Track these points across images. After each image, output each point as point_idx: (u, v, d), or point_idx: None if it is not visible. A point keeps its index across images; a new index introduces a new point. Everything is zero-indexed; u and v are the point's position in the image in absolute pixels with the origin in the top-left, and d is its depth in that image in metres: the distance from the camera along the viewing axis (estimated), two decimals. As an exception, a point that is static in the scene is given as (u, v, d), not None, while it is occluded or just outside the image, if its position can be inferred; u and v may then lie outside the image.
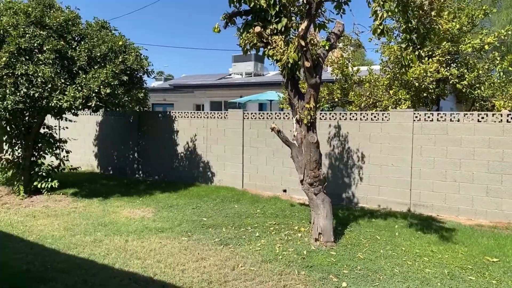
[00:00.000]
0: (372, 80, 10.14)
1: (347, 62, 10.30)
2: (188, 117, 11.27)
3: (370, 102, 9.95)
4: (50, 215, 7.64)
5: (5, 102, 7.59)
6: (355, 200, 8.81)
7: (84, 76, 8.00)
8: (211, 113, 10.93)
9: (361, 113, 8.75)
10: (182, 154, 11.35)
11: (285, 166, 9.59)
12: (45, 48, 7.73)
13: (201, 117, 11.04)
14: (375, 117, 8.58)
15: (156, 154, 11.75)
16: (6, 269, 4.91)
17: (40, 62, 7.70)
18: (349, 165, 8.85)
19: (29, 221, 7.20)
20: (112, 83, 8.07)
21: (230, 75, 24.05)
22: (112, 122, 12.71)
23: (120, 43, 8.60)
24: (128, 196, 9.29)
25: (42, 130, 9.74)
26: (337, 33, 6.04)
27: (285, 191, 9.68)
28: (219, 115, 10.75)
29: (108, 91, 7.95)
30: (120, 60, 8.42)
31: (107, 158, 12.88)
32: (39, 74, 7.50)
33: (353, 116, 8.82)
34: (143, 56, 9.21)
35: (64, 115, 9.54)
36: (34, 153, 9.58)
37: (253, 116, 10.17)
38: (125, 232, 6.60)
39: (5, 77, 7.41)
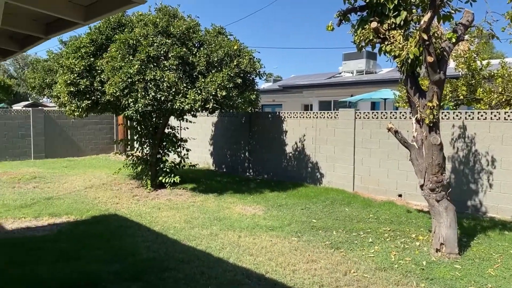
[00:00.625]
0: (506, 75, 8.94)
1: (475, 55, 9.25)
2: (297, 117, 11.31)
3: (503, 100, 8.79)
4: (172, 207, 8.32)
5: (137, 105, 8.48)
6: (482, 209, 7.87)
7: (203, 80, 8.54)
8: (320, 113, 10.80)
9: (491, 112, 7.78)
10: (290, 154, 11.43)
11: (401, 169, 9.00)
12: (170, 55, 8.45)
13: (310, 117, 10.98)
14: (508, 116, 7.55)
15: (265, 153, 12.04)
16: (136, 256, 5.47)
17: (166, 68, 8.44)
18: (476, 169, 7.93)
19: (155, 212, 7.94)
20: (228, 86, 8.47)
21: (340, 73, 23.54)
22: (226, 123, 13.39)
23: (235, 47, 8.98)
24: (240, 193, 9.67)
25: (166, 130, 10.69)
26: (465, 23, 5.45)
27: (400, 195, 9.09)
28: (329, 115, 10.56)
29: (224, 93, 8.37)
30: (234, 63, 8.80)
31: (221, 156, 13.61)
32: (165, 79, 8.23)
33: (481, 115, 7.89)
34: (256, 58, 9.50)
35: (185, 117, 10.33)
36: (160, 151, 10.56)
37: (366, 115, 9.76)
38: (238, 228, 6.86)
39: (137, 82, 8.28)
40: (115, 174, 11.34)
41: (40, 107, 18.54)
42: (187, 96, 8.44)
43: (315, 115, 10.90)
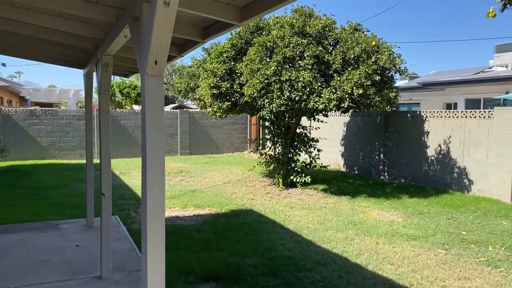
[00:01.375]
0: None
1: None
2: (441, 116, 10.26)
3: None
4: (305, 207, 8.32)
5: (271, 106, 8.72)
6: None
7: (338, 78, 8.35)
8: (470, 111, 9.61)
9: None
10: (432, 157, 10.44)
11: None
12: (305, 55, 8.46)
13: (457, 117, 9.86)
14: None
15: (402, 156, 11.23)
16: (273, 252, 5.57)
17: (301, 68, 8.48)
18: None
19: (287, 211, 8.04)
20: (365, 84, 8.12)
21: (490, 68, 20.74)
22: (359, 123, 12.91)
23: (373, 43, 8.56)
24: (375, 197, 9.19)
25: (298, 130, 10.77)
26: None
27: None
28: (481, 114, 9.32)
29: (360, 91, 8.04)
30: (372, 60, 8.39)
31: (353, 157, 13.18)
32: (300, 79, 8.27)
33: None
34: (396, 54, 8.91)
35: (316, 116, 10.26)
36: (291, 150, 10.69)
37: (530, 115, 8.34)
38: (375, 234, 6.49)
39: (273, 83, 8.50)
40: (249, 171, 11.89)
41: (185, 109, 20.54)
42: (322, 95, 8.34)
43: (464, 114, 9.75)
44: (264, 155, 11.12)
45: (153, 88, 2.21)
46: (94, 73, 6.20)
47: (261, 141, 16.87)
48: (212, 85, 9.69)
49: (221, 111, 10.08)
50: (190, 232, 6.43)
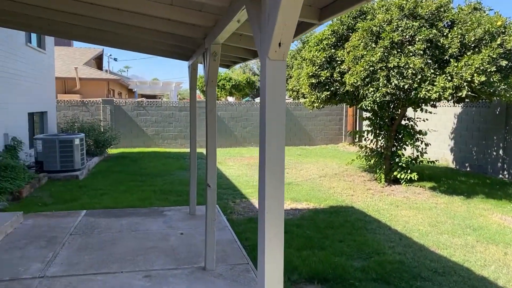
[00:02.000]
0: None
1: None
2: None
3: None
4: (412, 207, 7.61)
5: (374, 95, 8.10)
6: None
7: (455, 64, 7.43)
8: None
9: None
10: None
11: None
12: (416, 39, 7.67)
13: None
14: None
15: (529, 153, 9.75)
16: (381, 255, 5.10)
17: (411, 54, 7.71)
18: None
19: (392, 209, 7.42)
20: (488, 70, 7.09)
21: None
22: (473, 114, 11.54)
23: (499, 23, 7.44)
24: (495, 199, 8.10)
25: (403, 122, 9.94)
26: None
27: None
28: None
29: (482, 79, 7.05)
30: (498, 43, 7.29)
31: (464, 153, 11.85)
32: (410, 66, 7.52)
33: None
34: (528, 34, 7.65)
35: (424, 107, 9.32)
36: (395, 143, 9.91)
37: None
38: (502, 242, 5.64)
39: (379, 70, 7.87)
40: (348, 164, 11.34)
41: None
42: (435, 83, 7.50)
43: None
44: (364, 149, 10.48)
45: (275, 74, 1.96)
46: (200, 65, 6.28)
47: (359, 134, 16.08)
48: (310, 74, 9.34)
49: (319, 101, 9.69)
50: (289, 227, 6.22)
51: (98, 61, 25.43)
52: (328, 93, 9.38)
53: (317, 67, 9.20)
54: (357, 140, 18.22)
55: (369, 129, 10.14)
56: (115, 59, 53.72)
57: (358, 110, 17.96)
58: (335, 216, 6.91)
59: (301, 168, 11.89)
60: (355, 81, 8.16)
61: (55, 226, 5.82)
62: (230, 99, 35.10)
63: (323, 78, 9.17)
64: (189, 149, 6.70)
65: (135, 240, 5.29)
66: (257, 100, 37.05)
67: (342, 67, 8.91)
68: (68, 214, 6.48)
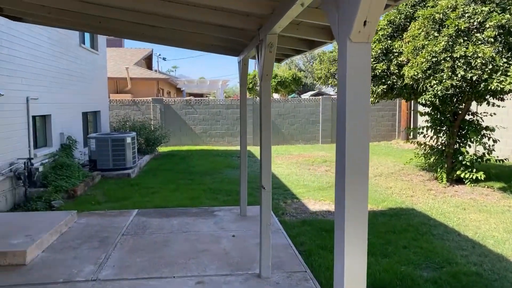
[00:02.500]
0: None
1: None
2: None
3: None
4: (481, 210, 6.93)
5: (436, 89, 7.46)
6: None
7: (533, 51, 6.65)
8: None
9: None
10: None
11: None
12: (486, 25, 6.95)
13: None
14: None
15: None
16: (453, 265, 4.58)
17: (479, 42, 7.01)
18: None
19: (459, 213, 6.78)
20: None
21: None
22: (547, 108, 10.45)
23: None
24: None
25: (467, 117, 9.15)
26: None
27: None
28: None
29: None
30: None
31: (537, 150, 10.77)
32: (479, 55, 6.83)
33: None
34: None
35: (491, 100, 8.49)
36: (458, 140, 9.15)
37: None
38: None
39: (442, 61, 7.23)
40: (407, 163, 10.62)
41: (325, 96, 19.83)
42: (508, 73, 6.75)
43: None
44: (422, 146, 9.78)
45: (359, 59, 1.62)
46: (251, 60, 6.01)
47: (414, 130, 15.18)
48: (365, 67, 8.81)
49: (374, 95, 9.14)
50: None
51: (147, 61, 26.04)
52: (384, 87, 8.82)
53: (372, 60, 8.66)
54: (411, 137, 17.29)
55: (429, 125, 9.42)
56: (164, 59, 55.13)
57: (413, 105, 17.02)
58: (396, 219, 6.40)
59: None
60: (415, 73, 7.56)
61: (108, 225, 5.79)
62: (276, 96, 34.76)
63: (379, 71, 8.63)
64: (239, 147, 6.46)
65: (187, 242, 5.12)
66: (304, 96, 36.43)
67: (399, 59, 8.32)
68: (120, 214, 6.46)
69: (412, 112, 17.21)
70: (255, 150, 15.27)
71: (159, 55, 49.92)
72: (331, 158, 12.83)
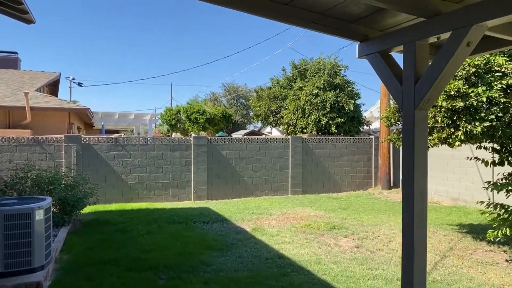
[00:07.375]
0: None
1: None
2: None
3: None
4: None
5: None
6: None
7: None
8: None
9: None
10: None
11: None
12: None
13: None
14: None
15: None
16: None
17: None
18: None
19: None
20: None
21: None
22: None
23: None
24: None
25: None
26: None
27: None
28: None
29: None
30: None
31: None
32: None
33: None
34: None
35: None
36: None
37: None
38: None
39: None
40: (489, 236, 7.07)
41: (295, 136, 16.67)
42: None
43: None
44: (498, 208, 6.79)
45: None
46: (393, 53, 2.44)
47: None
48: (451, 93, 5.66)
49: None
50: None
51: (52, 88, 20.48)
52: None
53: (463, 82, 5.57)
54: (392, 185, 14.76)
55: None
56: (79, 84, 40.33)
57: (393, 147, 14.60)
58: None
59: (377, 234, 8.02)
60: None
61: None
62: (203, 134, 30.87)
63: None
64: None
65: None
66: (234, 135, 33.08)
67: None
68: None
69: (391, 155, 14.76)
70: (215, 206, 11.19)
71: (73, 79, 39.18)
72: (330, 220, 9.37)
